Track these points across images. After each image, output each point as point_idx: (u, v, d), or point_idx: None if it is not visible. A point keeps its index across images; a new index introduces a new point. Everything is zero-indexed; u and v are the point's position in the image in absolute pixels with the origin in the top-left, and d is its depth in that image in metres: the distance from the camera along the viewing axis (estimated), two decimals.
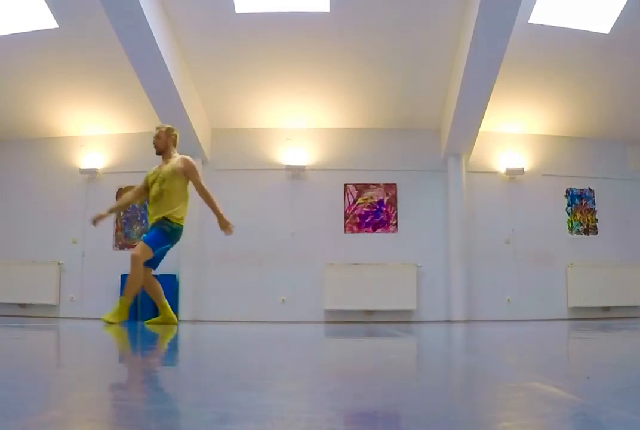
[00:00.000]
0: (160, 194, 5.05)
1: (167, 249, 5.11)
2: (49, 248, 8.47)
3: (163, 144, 5.23)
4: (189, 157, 5.24)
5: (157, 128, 5.32)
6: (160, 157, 5.29)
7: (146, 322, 5.42)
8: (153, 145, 5.24)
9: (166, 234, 4.98)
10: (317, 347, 3.11)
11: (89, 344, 3.07)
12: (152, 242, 4.92)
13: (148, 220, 5.20)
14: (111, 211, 5.39)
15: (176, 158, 5.19)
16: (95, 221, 5.25)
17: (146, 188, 5.29)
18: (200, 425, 0.87)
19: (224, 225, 5.15)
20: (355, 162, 8.49)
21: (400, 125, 8.51)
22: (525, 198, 8.49)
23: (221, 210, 5.17)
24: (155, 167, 5.30)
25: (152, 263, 5.11)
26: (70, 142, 8.84)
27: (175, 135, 5.33)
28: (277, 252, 8.27)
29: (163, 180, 5.09)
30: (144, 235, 5.13)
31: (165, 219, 4.98)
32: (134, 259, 4.86)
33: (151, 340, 3.48)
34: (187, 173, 5.13)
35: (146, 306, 7.99)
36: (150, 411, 1.00)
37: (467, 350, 2.87)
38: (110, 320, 4.88)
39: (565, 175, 8.59)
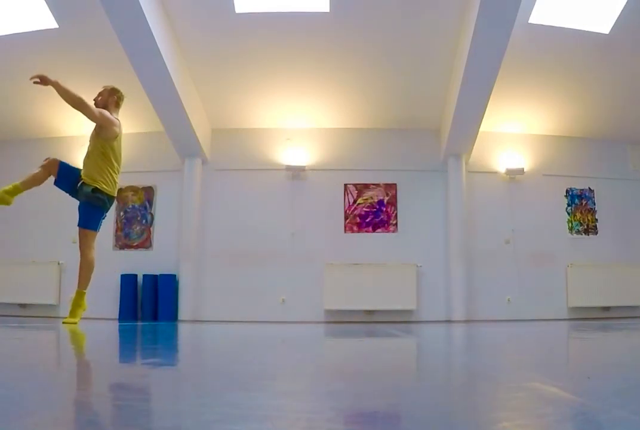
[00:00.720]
0: (88, 155, 4.80)
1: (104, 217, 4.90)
2: (49, 248, 8.47)
3: (102, 103, 4.86)
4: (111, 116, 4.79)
5: (103, 86, 5.01)
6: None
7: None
8: (93, 101, 4.86)
9: (97, 207, 4.71)
10: (317, 347, 3.11)
11: (89, 344, 3.07)
12: (87, 223, 4.70)
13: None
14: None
15: None
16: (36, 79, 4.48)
17: None
18: (200, 425, 0.87)
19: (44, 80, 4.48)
20: (355, 162, 8.49)
21: (400, 125, 8.52)
22: (525, 198, 8.49)
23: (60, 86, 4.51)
24: None
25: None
26: (70, 142, 8.83)
27: (119, 98, 4.97)
28: (277, 252, 8.27)
29: (90, 141, 4.83)
30: (79, 214, 4.76)
31: (97, 190, 4.67)
32: (80, 249, 4.70)
33: (151, 340, 3.48)
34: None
35: (146, 306, 8.00)
36: (150, 411, 1.00)
37: (467, 350, 2.87)
38: (74, 320, 4.69)
39: (565, 175, 8.59)
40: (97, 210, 4.70)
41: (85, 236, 4.68)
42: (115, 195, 4.88)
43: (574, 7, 6.75)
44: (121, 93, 5.00)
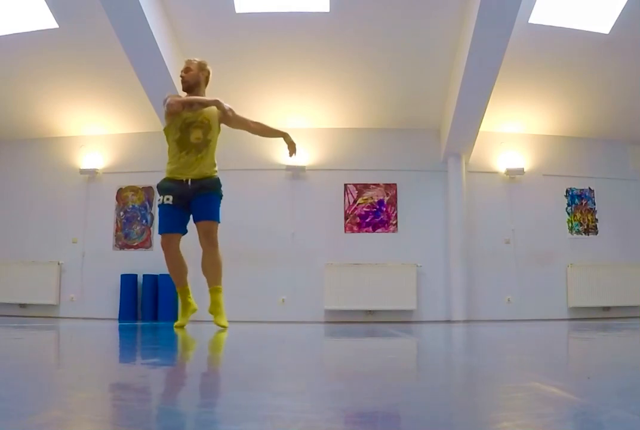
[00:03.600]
0: (206, 145, 4.17)
1: None
2: (49, 248, 8.47)
3: (194, 78, 4.25)
4: None
5: (187, 60, 4.34)
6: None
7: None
8: (180, 79, 4.29)
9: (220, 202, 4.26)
10: (317, 347, 3.11)
11: (89, 344, 3.07)
12: (219, 215, 4.24)
13: (179, 172, 4.15)
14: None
15: None
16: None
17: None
18: (200, 425, 0.87)
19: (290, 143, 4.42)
20: (355, 162, 8.49)
21: (400, 125, 8.52)
22: (525, 198, 8.49)
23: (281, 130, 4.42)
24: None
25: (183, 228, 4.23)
26: (70, 142, 8.85)
27: (209, 72, 4.37)
28: (277, 252, 8.27)
29: (209, 128, 4.21)
30: (203, 208, 4.17)
31: (218, 181, 4.23)
32: (212, 245, 4.16)
33: (151, 340, 3.49)
34: (231, 112, 4.30)
35: (146, 306, 8.00)
36: (150, 411, 1.00)
37: (467, 350, 2.87)
38: (224, 324, 4.49)
39: (565, 175, 8.59)
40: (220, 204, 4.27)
41: (216, 229, 4.19)
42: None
43: (574, 7, 6.76)
44: (210, 67, 4.42)
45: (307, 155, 8.51)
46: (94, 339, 3.49)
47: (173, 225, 4.15)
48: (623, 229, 8.53)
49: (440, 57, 7.44)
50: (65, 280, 8.36)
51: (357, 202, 8.46)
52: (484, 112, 7.39)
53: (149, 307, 7.98)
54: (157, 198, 4.23)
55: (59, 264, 8.37)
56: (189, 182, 4.12)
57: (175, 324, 4.50)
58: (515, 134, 8.65)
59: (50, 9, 6.73)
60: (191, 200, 4.16)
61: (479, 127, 7.73)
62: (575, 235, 8.48)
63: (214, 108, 4.27)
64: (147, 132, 8.54)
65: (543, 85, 7.76)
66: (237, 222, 8.35)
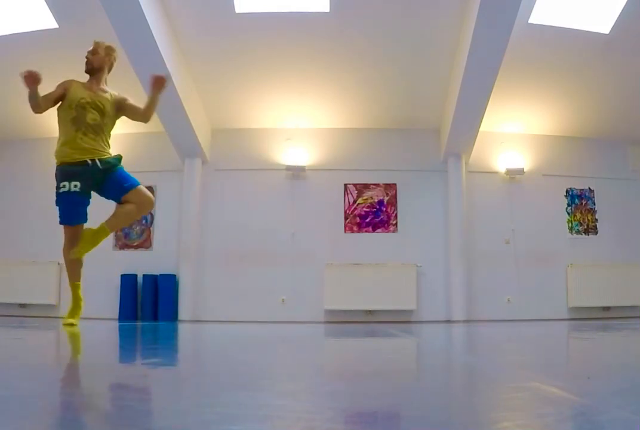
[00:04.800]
0: (100, 127, 4.18)
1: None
2: (49, 248, 8.44)
3: (99, 62, 4.21)
4: None
5: (96, 42, 4.25)
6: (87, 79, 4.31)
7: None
8: (85, 60, 4.25)
9: None
10: (317, 347, 3.11)
11: (89, 344, 3.06)
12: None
13: (74, 153, 4.22)
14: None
15: (111, 91, 4.28)
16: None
17: (57, 100, 4.36)
18: (200, 425, 0.87)
19: (157, 86, 4.30)
20: (355, 162, 8.49)
21: (400, 125, 8.51)
22: (525, 198, 8.49)
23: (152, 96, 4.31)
24: (80, 86, 4.29)
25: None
26: None
27: (115, 59, 4.34)
28: (277, 252, 8.27)
29: (102, 111, 4.19)
30: (123, 178, 4.15)
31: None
32: (151, 203, 4.21)
33: (151, 340, 3.49)
34: (127, 101, 4.24)
35: (146, 306, 8.00)
36: (150, 411, 1.00)
37: (467, 350, 2.87)
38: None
39: (565, 175, 8.59)
40: None
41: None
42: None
43: (574, 7, 6.75)
44: (117, 54, 4.39)
45: (307, 155, 8.52)
46: (94, 339, 3.49)
47: (81, 215, 4.32)
48: (623, 229, 8.52)
49: (440, 57, 7.44)
50: (65, 280, 8.33)
51: (357, 202, 8.46)
52: (484, 112, 7.39)
53: (148, 307, 7.97)
54: (60, 184, 4.22)
55: (59, 264, 8.35)
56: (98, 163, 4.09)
57: (68, 321, 4.24)
58: (515, 134, 8.65)
59: (50, 9, 6.73)
60: (101, 182, 4.19)
61: (479, 127, 7.73)
62: (575, 235, 8.48)
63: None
64: (147, 132, 8.52)
65: (543, 85, 7.76)
66: (238, 222, 8.36)
